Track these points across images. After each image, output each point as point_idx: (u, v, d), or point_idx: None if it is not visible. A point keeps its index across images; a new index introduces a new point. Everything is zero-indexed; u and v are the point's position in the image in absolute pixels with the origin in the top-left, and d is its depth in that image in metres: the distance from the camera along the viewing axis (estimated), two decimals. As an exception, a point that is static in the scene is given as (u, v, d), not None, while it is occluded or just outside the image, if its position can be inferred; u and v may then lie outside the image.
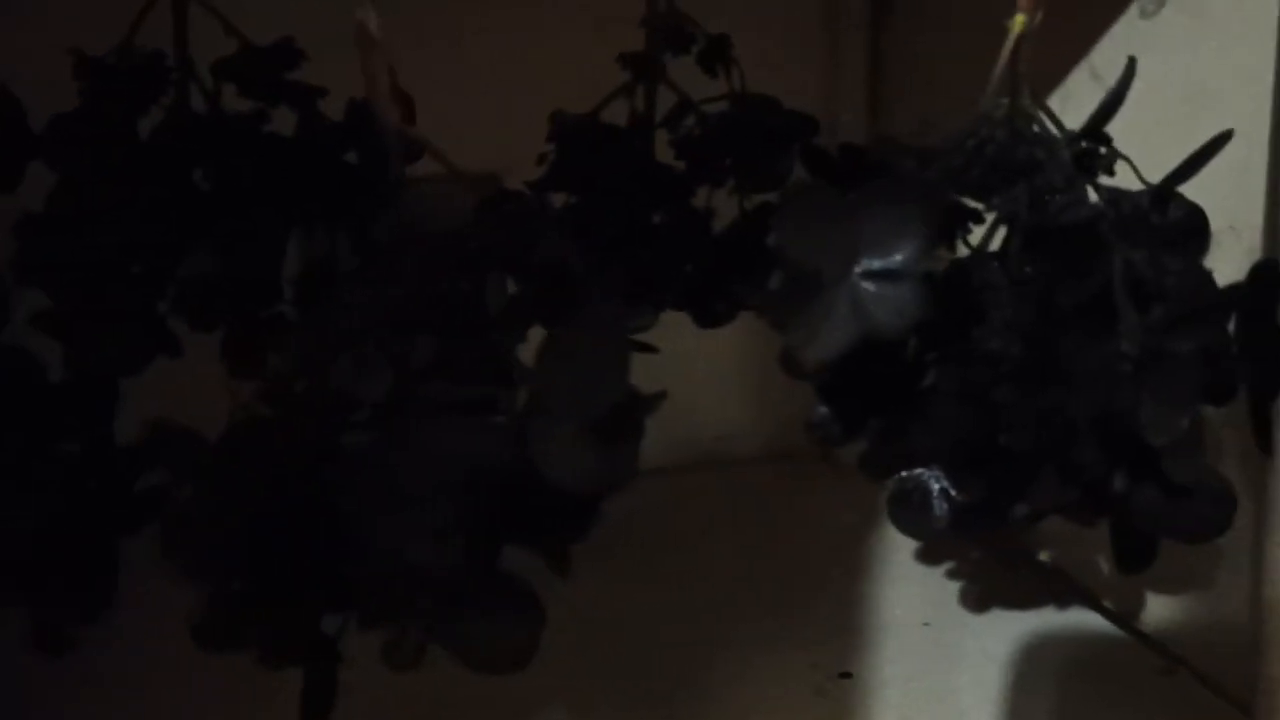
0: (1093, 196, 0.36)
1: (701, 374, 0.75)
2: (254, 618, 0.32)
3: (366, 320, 0.29)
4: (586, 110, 0.48)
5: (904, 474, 0.37)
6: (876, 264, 0.31)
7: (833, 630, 0.55)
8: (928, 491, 0.37)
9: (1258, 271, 0.38)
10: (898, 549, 0.64)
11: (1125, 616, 0.54)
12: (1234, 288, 0.38)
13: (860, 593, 0.59)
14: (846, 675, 0.51)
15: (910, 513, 0.37)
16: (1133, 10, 0.50)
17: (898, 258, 0.31)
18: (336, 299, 0.33)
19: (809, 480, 0.75)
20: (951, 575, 0.61)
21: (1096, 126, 0.37)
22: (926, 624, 0.56)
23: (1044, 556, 0.61)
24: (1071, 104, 0.54)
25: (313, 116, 0.50)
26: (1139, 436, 0.35)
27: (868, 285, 0.31)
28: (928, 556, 0.63)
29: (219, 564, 0.30)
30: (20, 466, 0.35)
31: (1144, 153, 0.39)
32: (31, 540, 0.32)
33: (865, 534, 0.67)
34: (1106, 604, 0.56)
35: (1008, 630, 0.55)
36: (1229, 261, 0.41)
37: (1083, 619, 0.56)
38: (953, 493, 0.36)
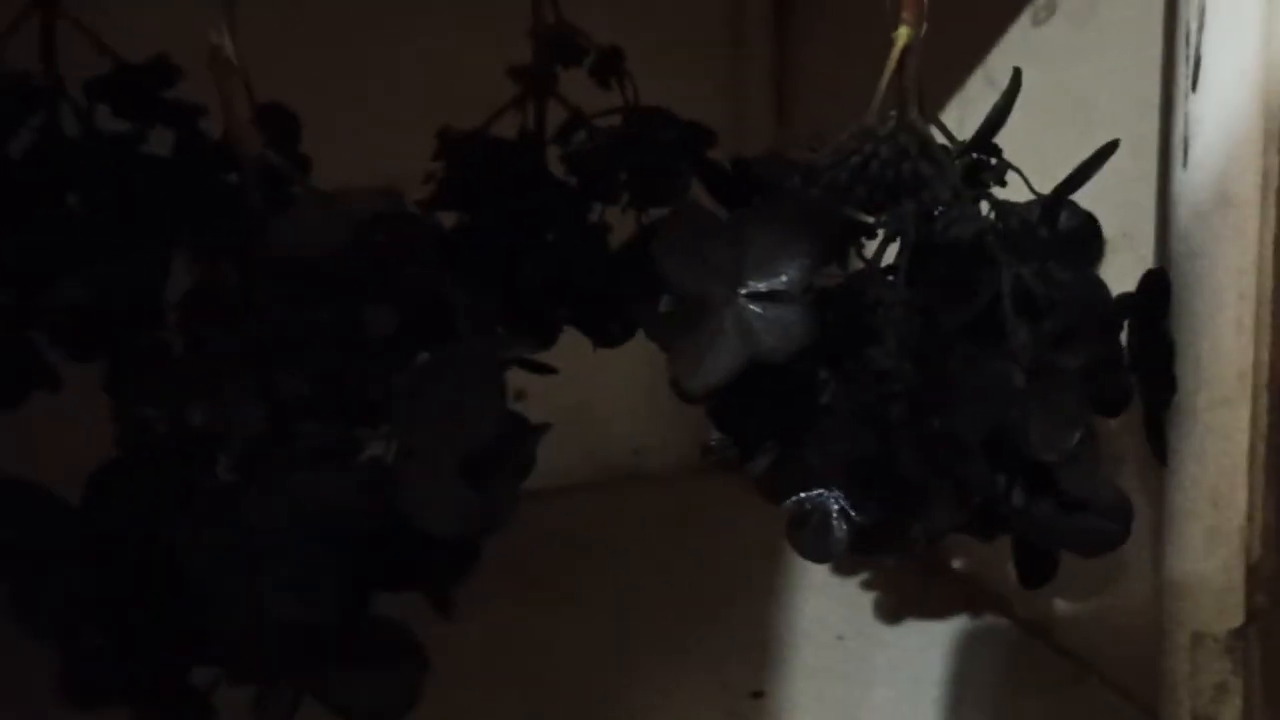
0: (984, 209, 0.36)
1: (616, 388, 0.74)
2: (116, 674, 0.30)
3: (232, 353, 0.27)
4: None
5: (801, 495, 0.36)
6: (762, 285, 0.30)
7: (745, 648, 0.54)
8: (826, 513, 0.36)
9: (1148, 280, 0.38)
10: (810, 563, 0.63)
11: (1036, 625, 0.54)
12: (1125, 297, 0.37)
13: (773, 608, 0.58)
14: (759, 695, 0.51)
15: (809, 535, 0.36)
16: (1025, 17, 0.50)
17: (783, 278, 0.30)
18: (199, 331, 0.31)
19: (723, 494, 0.74)
20: (865, 586, 0.61)
21: (985, 137, 0.36)
22: (840, 637, 0.55)
23: (957, 564, 0.61)
24: (971, 109, 0.54)
25: (192, 136, 0.48)
26: (1032, 452, 0.34)
27: (754, 307, 0.30)
28: (842, 568, 0.63)
29: (71, 620, 0.28)
30: None
31: (1036, 162, 0.39)
32: None
33: (780, 548, 0.66)
34: (1018, 612, 0.56)
35: (921, 641, 0.54)
36: (1123, 270, 0.42)
37: (995, 627, 0.56)
38: (851, 513, 0.36)
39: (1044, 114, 0.46)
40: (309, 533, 0.26)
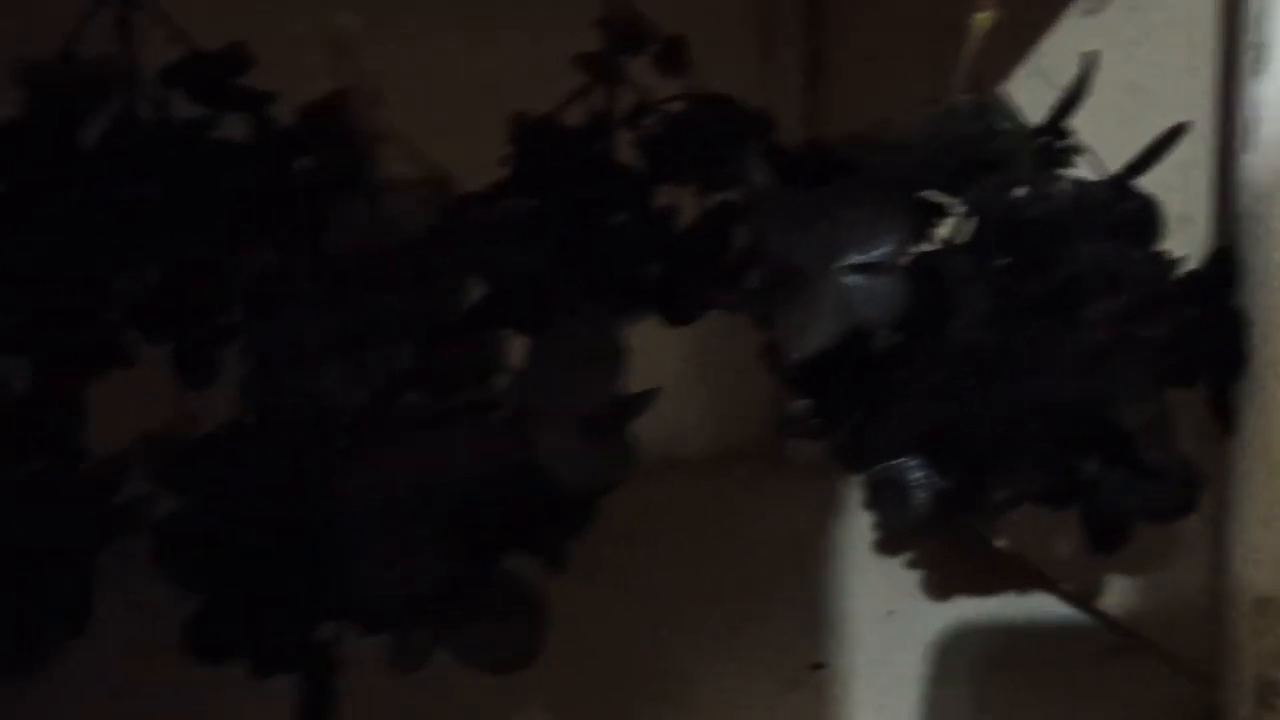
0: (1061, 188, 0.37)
1: (653, 375, 0.75)
2: (246, 627, 0.31)
3: (344, 327, 0.29)
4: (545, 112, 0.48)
5: (881, 466, 0.37)
6: (859, 258, 0.32)
7: (801, 623, 0.56)
8: (905, 482, 0.37)
9: (1216, 257, 0.39)
10: (855, 543, 0.65)
11: (1083, 598, 0.56)
12: (1193, 273, 0.39)
13: (824, 587, 0.60)
14: (819, 666, 0.52)
15: (889, 502, 0.37)
16: (1076, 7, 0.51)
17: (880, 251, 0.32)
18: (306, 307, 0.32)
19: (760, 479, 0.75)
20: (910, 565, 0.62)
21: (1059, 119, 0.38)
22: (891, 613, 0.57)
23: (1000, 543, 0.62)
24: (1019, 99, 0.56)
25: (263, 122, 0.49)
26: (1108, 422, 0.36)
27: (852, 280, 0.32)
28: (885, 548, 0.64)
29: (211, 572, 0.30)
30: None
31: (1089, 146, 0.40)
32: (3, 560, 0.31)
33: (822, 529, 0.68)
34: (1064, 587, 0.57)
35: (970, 615, 0.56)
36: (1179, 250, 0.43)
37: (1042, 603, 0.57)
38: (929, 482, 0.37)
39: (1096, 100, 0.48)
40: (445, 491, 0.27)
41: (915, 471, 0.37)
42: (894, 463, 0.37)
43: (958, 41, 0.39)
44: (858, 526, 0.67)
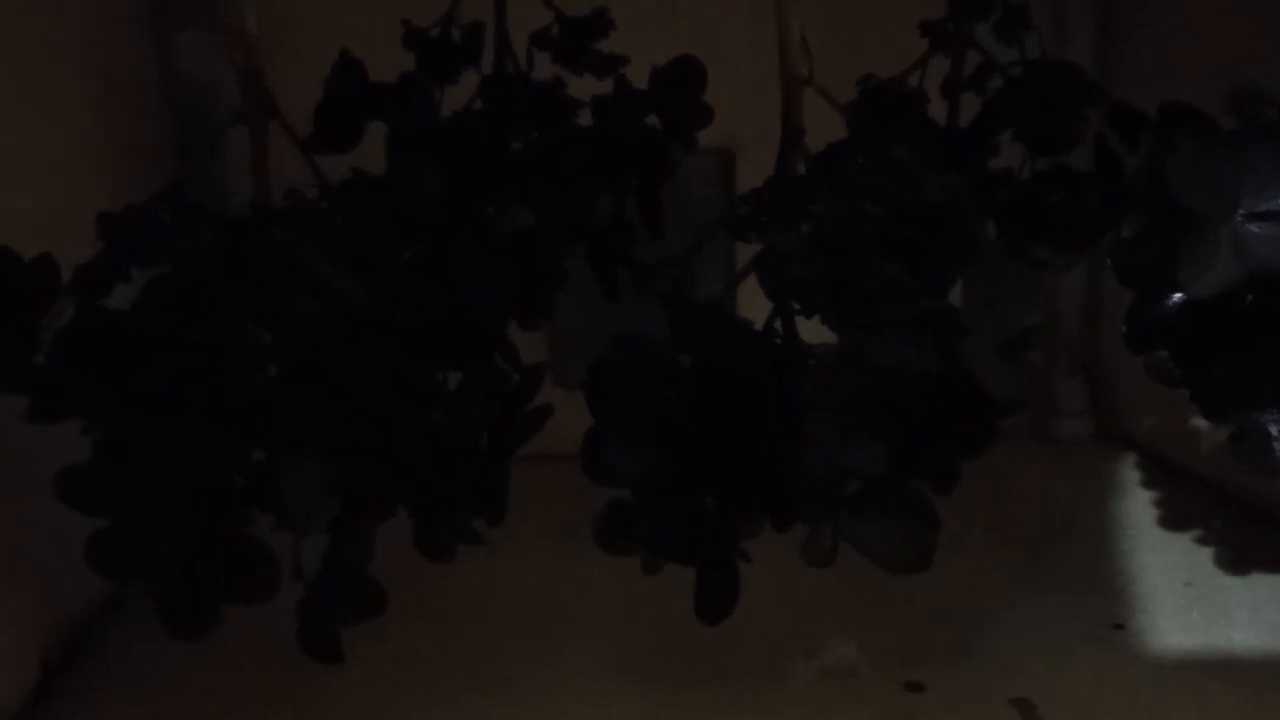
0: None
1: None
2: (657, 516, 0.35)
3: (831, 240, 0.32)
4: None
5: (1243, 414, 0.38)
6: (1262, 206, 0.33)
7: (1098, 586, 0.57)
8: (1266, 431, 0.38)
9: None
10: (1140, 517, 0.65)
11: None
12: None
13: (1114, 555, 0.60)
14: (1120, 626, 0.53)
15: (1249, 449, 0.38)
16: None
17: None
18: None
19: (1029, 454, 0.76)
20: (1200, 541, 0.62)
21: None
22: (1188, 584, 0.57)
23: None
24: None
25: (619, 82, 0.54)
26: None
27: (1252, 226, 0.33)
28: (1171, 524, 0.64)
29: (641, 460, 0.33)
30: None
31: None
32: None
33: (1098, 503, 0.68)
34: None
35: (1272, 591, 0.55)
36: None
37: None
38: (1291, 435, 0.38)
39: None
40: (888, 393, 0.30)
41: (1276, 425, 0.38)
42: (1257, 412, 0.38)
43: None
44: (1138, 501, 0.67)
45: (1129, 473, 0.72)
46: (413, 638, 0.51)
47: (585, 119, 0.54)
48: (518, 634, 0.52)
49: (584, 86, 0.55)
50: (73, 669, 0.49)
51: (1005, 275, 0.31)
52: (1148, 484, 0.70)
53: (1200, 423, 0.69)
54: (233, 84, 0.66)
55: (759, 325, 0.35)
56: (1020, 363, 0.31)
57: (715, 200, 0.75)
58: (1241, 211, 0.33)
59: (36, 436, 0.36)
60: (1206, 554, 0.60)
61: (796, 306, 0.35)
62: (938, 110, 0.52)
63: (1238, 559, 0.59)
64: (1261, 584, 0.57)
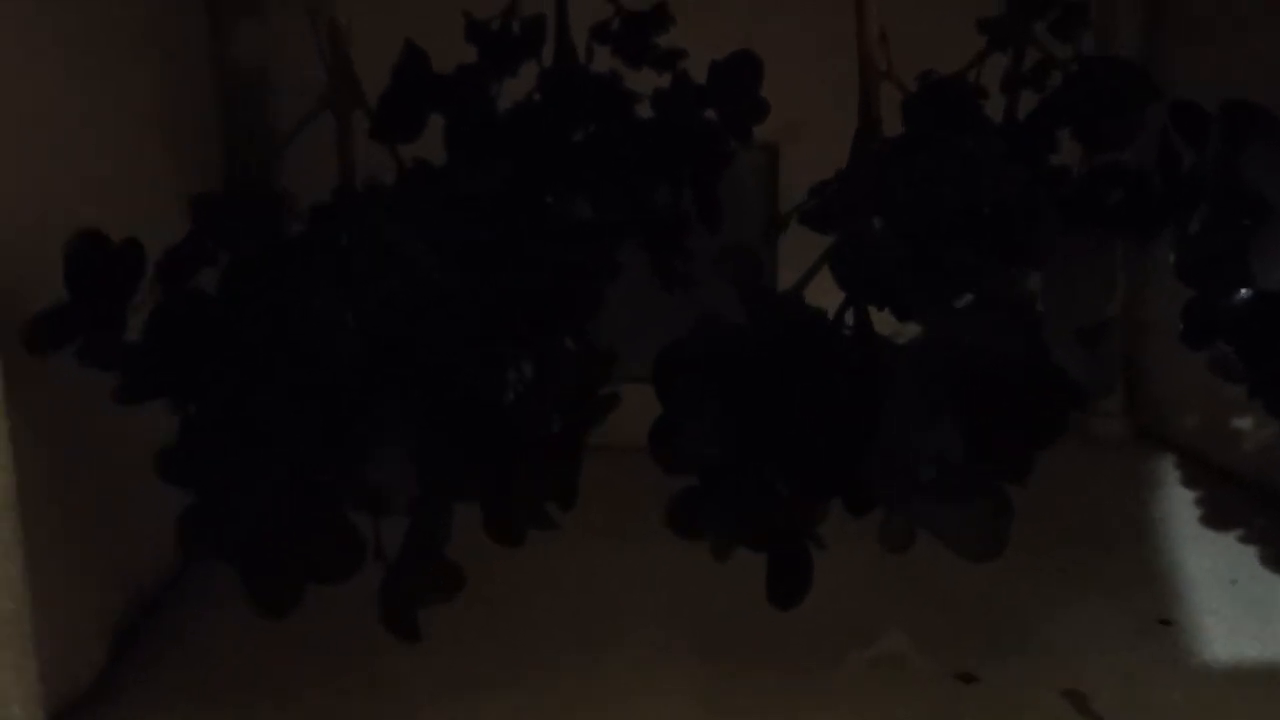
0: None
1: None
2: (730, 501, 0.36)
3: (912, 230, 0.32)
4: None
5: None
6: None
7: (1144, 582, 0.57)
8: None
9: None
10: (1182, 515, 0.65)
11: None
12: None
13: (1158, 552, 0.61)
14: (1166, 622, 0.53)
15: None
16: None
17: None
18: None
19: (1065, 454, 0.76)
20: (1243, 540, 0.62)
21: None
22: (1234, 581, 0.57)
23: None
24: None
25: (678, 76, 0.55)
26: None
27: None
28: (1213, 523, 0.64)
29: (716, 443, 0.34)
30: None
31: None
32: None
33: (1141, 500, 0.68)
34: None
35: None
36: None
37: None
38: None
39: None
40: (966, 378, 0.30)
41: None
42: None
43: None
44: (1179, 500, 0.68)
45: (1169, 472, 0.72)
46: (470, 620, 0.52)
47: (642, 111, 0.55)
48: (573, 619, 0.53)
49: (639, 77, 0.56)
50: (141, 643, 0.50)
51: (1079, 268, 0.32)
52: (1188, 483, 0.70)
53: (1241, 423, 0.69)
54: (284, 71, 0.67)
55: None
56: (1101, 352, 0.31)
57: (759, 192, 0.75)
58: (1314, 206, 0.34)
59: (103, 416, 0.37)
60: (1250, 552, 0.61)
61: (869, 297, 0.36)
62: (993, 107, 0.52)
63: (1281, 557, 0.60)
64: (1310, 582, 0.57)
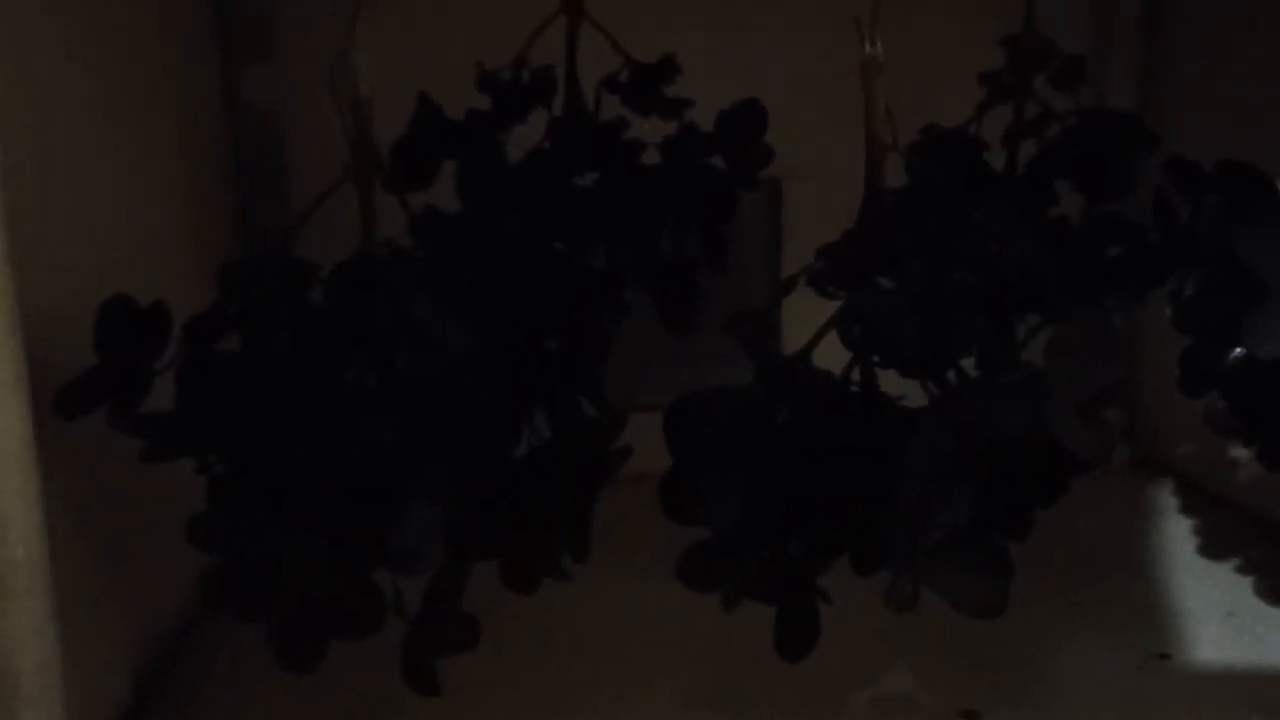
0: None
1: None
2: (738, 558, 0.37)
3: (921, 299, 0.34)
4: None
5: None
6: (1326, 271, 0.35)
7: (1141, 616, 0.58)
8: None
9: None
10: (1179, 545, 0.67)
11: None
12: None
13: (1156, 586, 0.62)
14: (1165, 656, 0.55)
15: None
16: None
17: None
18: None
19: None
20: (1239, 570, 0.63)
21: None
22: (1230, 614, 0.59)
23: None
24: None
25: (685, 126, 0.56)
26: None
27: (1315, 291, 0.35)
28: (1210, 552, 0.66)
29: (728, 506, 0.35)
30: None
31: None
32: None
33: (1139, 531, 0.70)
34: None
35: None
36: None
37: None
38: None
39: None
40: (973, 448, 0.32)
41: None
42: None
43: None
44: (1177, 529, 0.69)
45: (1167, 499, 0.73)
46: (489, 663, 0.53)
47: (649, 157, 0.56)
48: (585, 660, 0.54)
49: (647, 124, 0.57)
50: (165, 683, 0.51)
51: (1083, 337, 0.33)
52: (1185, 511, 0.71)
53: (1238, 451, 0.71)
54: (295, 114, 0.68)
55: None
56: (1100, 423, 0.32)
57: (762, 227, 0.76)
58: (1305, 276, 0.35)
59: (127, 459, 0.38)
60: (1246, 584, 0.62)
61: (876, 359, 0.37)
62: (992, 158, 0.53)
63: (1278, 589, 0.61)
64: (1305, 614, 0.58)
